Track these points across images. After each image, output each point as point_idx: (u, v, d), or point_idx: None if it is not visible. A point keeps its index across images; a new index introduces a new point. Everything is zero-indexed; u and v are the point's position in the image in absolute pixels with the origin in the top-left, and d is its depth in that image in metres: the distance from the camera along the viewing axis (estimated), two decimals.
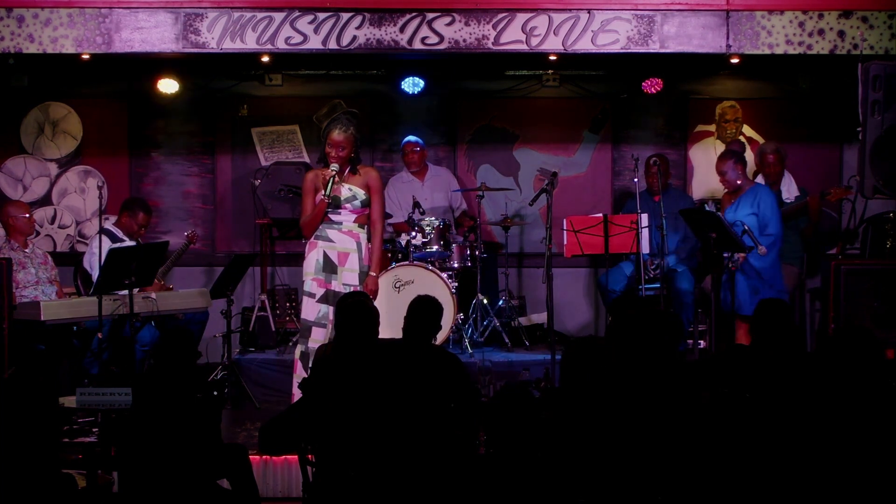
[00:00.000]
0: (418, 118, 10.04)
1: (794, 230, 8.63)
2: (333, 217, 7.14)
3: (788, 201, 8.72)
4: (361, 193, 7.13)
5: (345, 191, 7.11)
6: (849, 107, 7.90)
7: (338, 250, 7.14)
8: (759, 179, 8.94)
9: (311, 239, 7.17)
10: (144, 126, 10.00)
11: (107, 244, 8.26)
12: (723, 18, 7.99)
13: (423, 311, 5.78)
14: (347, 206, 7.13)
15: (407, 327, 5.78)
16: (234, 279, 8.69)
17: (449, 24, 7.97)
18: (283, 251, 9.99)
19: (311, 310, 7.11)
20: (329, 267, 7.12)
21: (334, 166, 7.05)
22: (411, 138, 9.56)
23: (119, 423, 5.37)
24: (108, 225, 8.80)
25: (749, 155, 9.55)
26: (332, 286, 7.10)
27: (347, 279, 7.13)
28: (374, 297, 7.02)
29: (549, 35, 7.99)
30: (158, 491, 4.99)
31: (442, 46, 7.99)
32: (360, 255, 7.16)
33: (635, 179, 8.22)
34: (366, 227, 7.21)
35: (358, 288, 7.08)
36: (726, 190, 8.24)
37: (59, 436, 5.57)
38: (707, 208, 8.96)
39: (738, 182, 8.10)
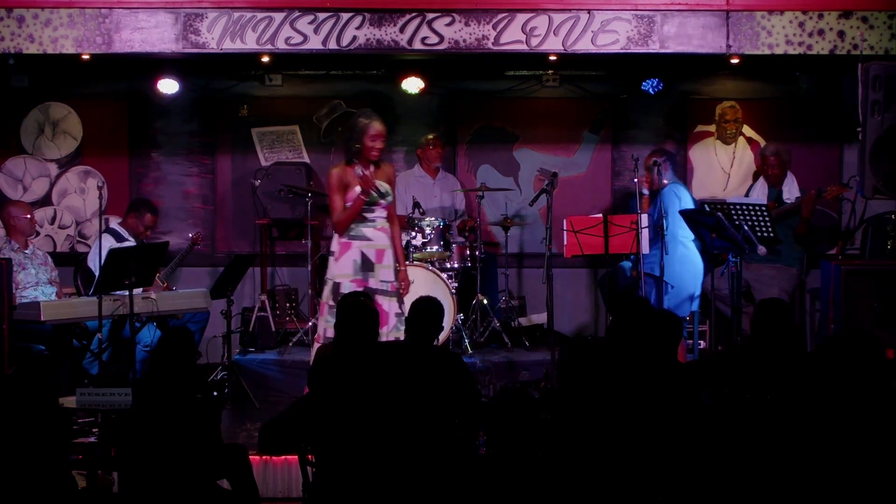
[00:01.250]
0: (418, 118, 10.04)
1: (793, 230, 8.63)
2: (368, 215, 7.09)
3: (789, 201, 8.72)
4: (389, 189, 7.14)
5: (380, 188, 7.11)
6: (849, 107, 7.91)
7: (375, 248, 7.10)
8: (761, 180, 8.95)
9: (345, 239, 7.10)
10: (144, 126, 10.00)
11: (113, 244, 8.27)
12: (723, 19, 7.99)
13: (424, 313, 5.78)
14: (382, 202, 7.10)
15: (409, 329, 5.78)
16: (233, 279, 8.69)
17: (449, 25, 7.97)
18: (283, 251, 9.99)
19: None
20: (367, 265, 7.07)
21: (373, 165, 7.03)
22: (433, 135, 9.57)
23: (119, 424, 5.37)
24: (114, 224, 8.81)
25: (747, 156, 9.57)
26: (370, 283, 7.04)
27: (385, 276, 7.10)
28: (408, 288, 7.12)
29: (549, 35, 7.99)
30: (158, 491, 4.99)
31: (442, 46, 8.00)
32: (392, 251, 7.17)
33: (635, 179, 8.22)
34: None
35: (394, 284, 7.10)
36: (648, 186, 8.40)
37: (64, 436, 5.58)
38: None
39: (665, 182, 8.23)
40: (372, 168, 7.04)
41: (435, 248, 8.81)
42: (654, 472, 4.95)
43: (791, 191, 8.80)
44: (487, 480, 4.48)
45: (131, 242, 8.51)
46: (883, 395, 4.89)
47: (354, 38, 7.97)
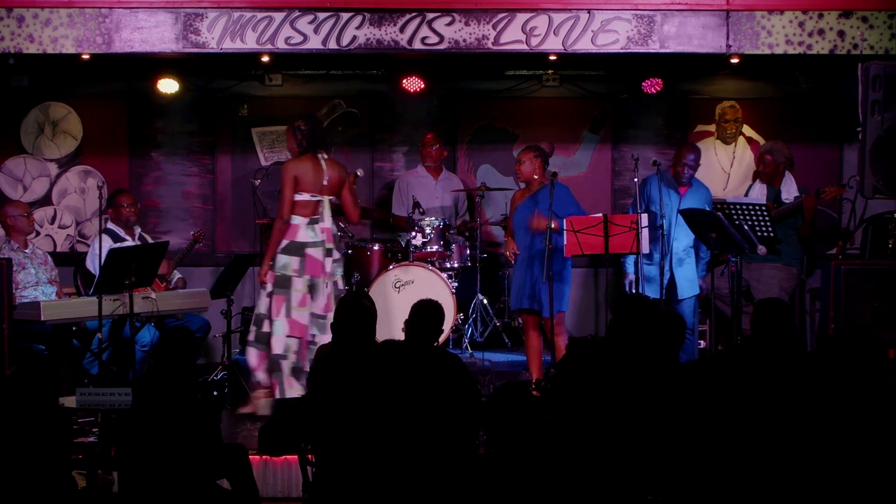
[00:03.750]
0: (418, 118, 10.04)
1: (793, 230, 8.63)
2: None
3: (787, 201, 8.72)
4: None
5: None
6: (849, 107, 7.90)
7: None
8: (759, 180, 8.95)
9: None
10: (144, 126, 10.00)
11: (111, 244, 8.27)
12: (723, 18, 7.99)
13: (425, 316, 5.76)
14: None
15: (409, 331, 5.76)
16: (234, 279, 8.69)
17: (449, 24, 7.97)
18: None
19: None
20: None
21: None
22: (431, 134, 9.56)
23: (119, 423, 5.37)
24: (111, 224, 8.82)
25: (747, 156, 9.54)
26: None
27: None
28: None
29: (549, 35, 7.99)
30: (158, 491, 4.99)
31: (442, 46, 7.99)
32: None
33: (635, 179, 8.21)
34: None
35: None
36: (521, 181, 8.21)
37: (64, 436, 5.57)
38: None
39: (535, 176, 8.05)
40: None
41: (435, 247, 8.81)
42: (654, 472, 4.95)
43: (789, 190, 8.79)
44: (487, 480, 4.48)
45: (129, 241, 8.52)
46: (883, 393, 4.89)
47: (354, 37, 7.96)
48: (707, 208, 8.39)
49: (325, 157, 7.52)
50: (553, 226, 7.73)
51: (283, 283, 7.40)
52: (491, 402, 4.61)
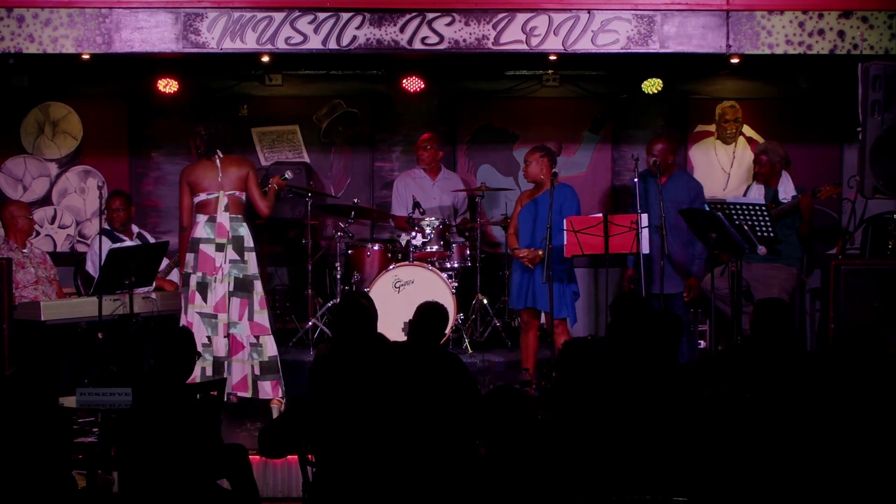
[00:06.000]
0: (418, 118, 10.04)
1: (792, 230, 8.62)
2: None
3: (784, 201, 8.71)
4: None
5: None
6: (849, 107, 7.91)
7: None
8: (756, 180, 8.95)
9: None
10: (144, 126, 10.00)
11: (108, 244, 8.27)
12: (723, 18, 7.99)
13: (430, 318, 5.74)
14: None
15: (412, 331, 5.75)
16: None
17: (449, 24, 7.97)
18: (283, 251, 9.98)
19: None
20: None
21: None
22: (428, 135, 9.51)
23: (119, 423, 5.38)
24: (106, 225, 8.82)
25: (747, 156, 9.55)
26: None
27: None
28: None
29: (549, 35, 7.99)
30: (158, 491, 4.99)
31: (442, 46, 7.99)
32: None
33: (635, 180, 8.21)
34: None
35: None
36: (528, 181, 8.28)
37: (64, 436, 5.57)
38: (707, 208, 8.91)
39: (541, 177, 8.13)
40: None
41: (435, 247, 8.81)
42: (654, 472, 4.95)
43: (787, 190, 8.77)
44: (488, 480, 4.48)
45: (127, 241, 8.51)
46: (886, 392, 4.89)
47: (354, 37, 7.96)
48: (698, 199, 8.43)
49: (221, 155, 7.61)
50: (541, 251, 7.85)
51: (185, 281, 7.59)
52: (486, 403, 4.60)
